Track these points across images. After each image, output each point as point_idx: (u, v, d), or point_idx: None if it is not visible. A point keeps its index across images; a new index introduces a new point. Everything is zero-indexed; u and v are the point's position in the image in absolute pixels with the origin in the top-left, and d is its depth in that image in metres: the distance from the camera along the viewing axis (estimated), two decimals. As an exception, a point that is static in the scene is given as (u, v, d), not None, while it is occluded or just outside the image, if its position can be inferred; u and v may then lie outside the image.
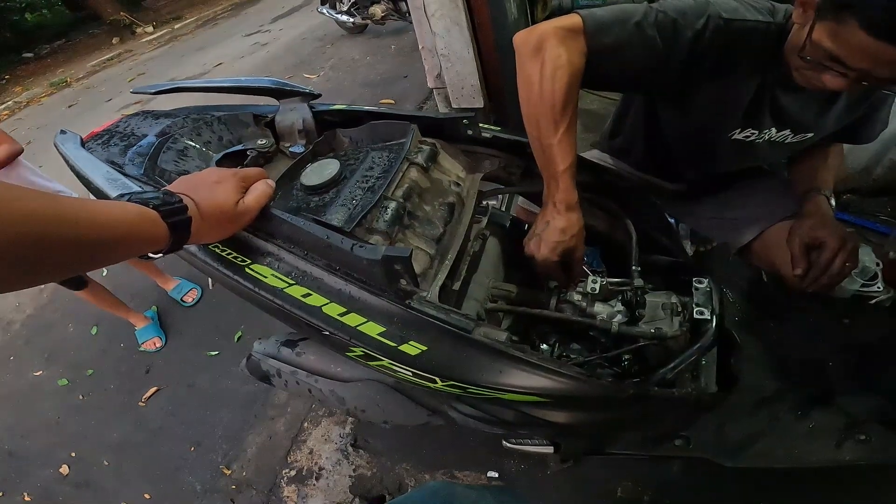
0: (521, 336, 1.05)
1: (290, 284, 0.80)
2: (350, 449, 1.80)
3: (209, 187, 0.72)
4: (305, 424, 1.93)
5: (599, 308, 1.00)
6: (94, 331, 2.70)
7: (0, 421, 2.38)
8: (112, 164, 0.97)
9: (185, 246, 0.69)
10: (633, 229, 1.06)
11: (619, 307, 0.99)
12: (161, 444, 2.07)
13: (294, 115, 1.10)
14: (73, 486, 2.02)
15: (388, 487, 1.67)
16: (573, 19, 0.92)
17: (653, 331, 0.92)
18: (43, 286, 3.03)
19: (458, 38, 2.29)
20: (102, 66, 9.03)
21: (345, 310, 0.78)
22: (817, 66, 0.85)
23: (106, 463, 2.06)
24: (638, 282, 0.97)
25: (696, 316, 0.92)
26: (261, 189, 0.78)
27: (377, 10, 5.27)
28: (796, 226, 1.11)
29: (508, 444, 1.22)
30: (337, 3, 5.60)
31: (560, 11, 4.43)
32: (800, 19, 0.86)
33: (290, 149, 1.09)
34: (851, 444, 1.02)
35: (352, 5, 5.46)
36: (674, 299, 0.98)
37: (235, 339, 2.38)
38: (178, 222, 0.64)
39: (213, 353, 2.36)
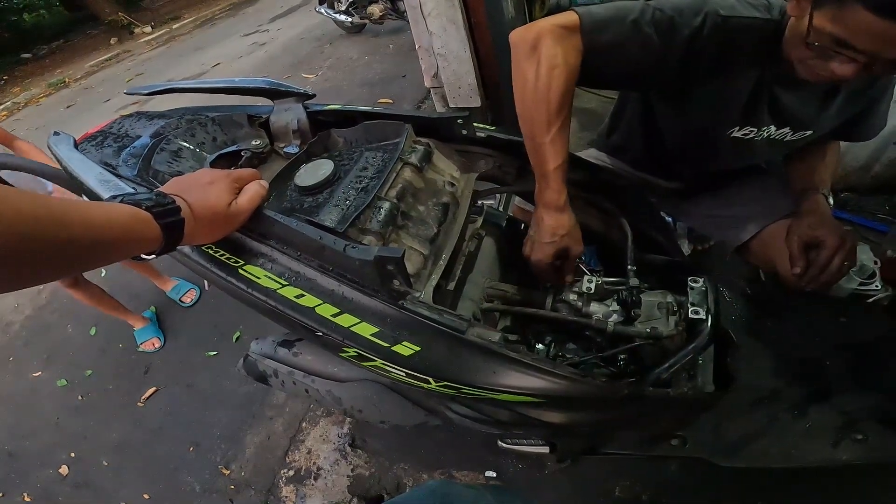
0: (517, 336, 1.05)
1: (284, 285, 0.79)
2: (348, 449, 1.80)
3: (202, 188, 0.72)
4: (303, 424, 1.93)
5: (595, 308, 1.00)
6: (92, 331, 2.70)
7: (-1, 421, 2.39)
8: (106, 165, 0.97)
9: (179, 247, 0.69)
10: (628, 228, 1.06)
11: (615, 307, 0.99)
12: (160, 444, 2.07)
13: (288, 116, 1.09)
14: (72, 487, 2.02)
15: (386, 487, 1.67)
16: (570, 17, 0.92)
17: (648, 330, 0.92)
18: (41, 287, 3.04)
19: (454, 37, 2.29)
20: (100, 67, 9.02)
21: (338, 311, 0.77)
22: (824, 54, 0.84)
23: (105, 463, 2.06)
24: (634, 281, 0.97)
25: (691, 315, 0.92)
26: (254, 190, 0.77)
27: (375, 10, 5.26)
28: (794, 224, 1.10)
29: (504, 445, 1.22)
30: (335, 3, 5.60)
31: (558, 9, 4.41)
32: (795, 11, 0.85)
33: (285, 149, 1.09)
34: (849, 444, 1.02)
35: (350, 5, 5.45)
36: (670, 299, 0.98)
37: (234, 340, 2.38)
38: (170, 223, 0.64)
39: (212, 353, 2.36)
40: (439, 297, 0.84)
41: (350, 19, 5.56)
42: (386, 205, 0.83)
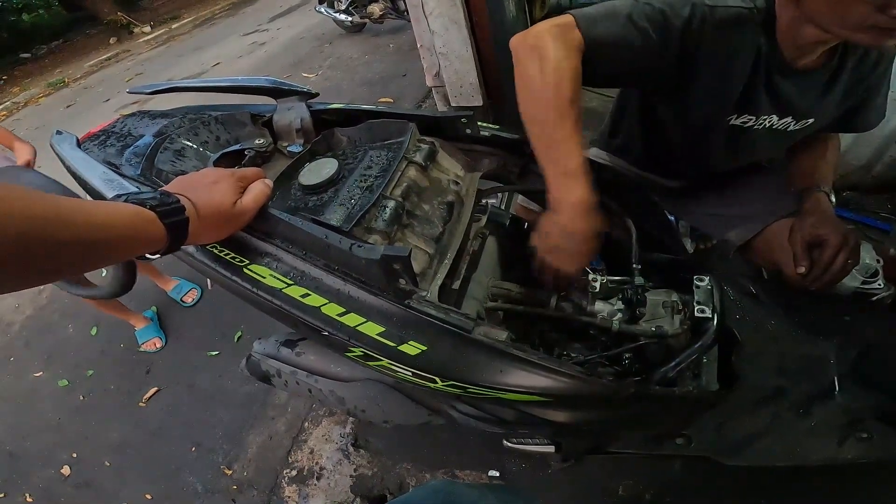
0: (521, 335, 1.04)
1: (289, 285, 0.79)
2: (351, 449, 1.79)
3: (206, 187, 0.71)
4: (306, 424, 1.93)
5: (600, 306, 0.99)
6: (93, 331, 2.70)
7: (1, 422, 2.38)
8: (109, 164, 0.97)
9: (183, 247, 0.69)
10: (633, 227, 1.06)
11: (620, 305, 0.98)
12: (162, 444, 2.07)
13: (292, 115, 1.09)
14: (74, 487, 2.02)
15: (389, 487, 1.67)
16: (566, 18, 0.92)
17: (653, 329, 0.92)
18: (42, 287, 3.04)
19: (456, 36, 2.28)
20: (100, 67, 9.01)
21: (344, 310, 0.77)
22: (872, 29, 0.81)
23: (107, 463, 2.06)
24: (638, 280, 0.97)
25: (696, 314, 0.92)
26: (258, 189, 0.77)
27: (375, 9, 5.26)
28: (797, 223, 1.10)
29: (509, 444, 1.22)
30: (335, 2, 5.59)
31: (558, 9, 4.43)
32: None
33: (288, 148, 1.08)
34: (853, 442, 1.02)
35: (350, 4, 5.44)
36: (674, 297, 0.97)
37: (235, 340, 2.38)
38: (175, 223, 0.64)
39: (214, 353, 2.36)
40: (444, 296, 0.84)
41: (350, 18, 5.56)
42: (391, 204, 0.83)
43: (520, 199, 1.53)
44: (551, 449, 1.17)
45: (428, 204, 0.92)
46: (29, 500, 2.01)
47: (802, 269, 1.05)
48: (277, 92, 1.11)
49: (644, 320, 0.96)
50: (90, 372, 2.48)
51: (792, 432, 1.06)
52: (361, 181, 0.90)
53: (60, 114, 6.83)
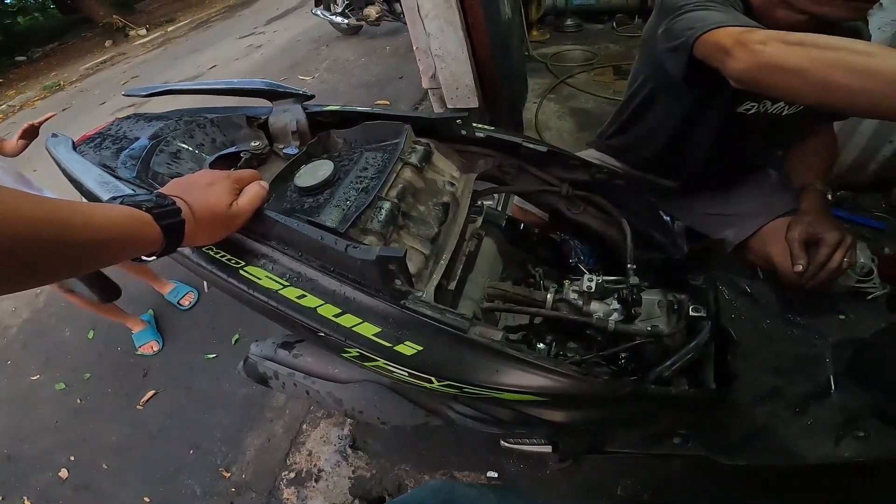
0: (517, 335, 1.05)
1: (285, 286, 0.79)
2: (349, 450, 1.79)
3: (202, 190, 0.71)
4: (304, 426, 1.93)
5: (595, 306, 1.00)
6: (90, 335, 2.69)
7: (-2, 425, 2.38)
8: (104, 167, 0.96)
9: (179, 249, 0.69)
10: (627, 227, 1.06)
11: (616, 305, 0.99)
12: (160, 447, 2.06)
13: (287, 117, 1.09)
14: (72, 490, 2.01)
15: (387, 488, 1.67)
16: (733, 30, 0.84)
17: (649, 329, 0.92)
18: (38, 290, 3.03)
19: (451, 38, 2.29)
20: (95, 69, 8.99)
21: (340, 311, 0.77)
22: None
23: (105, 466, 2.05)
24: (634, 280, 0.97)
25: (692, 313, 0.92)
26: (254, 191, 0.77)
27: (371, 12, 5.27)
28: (794, 222, 1.11)
29: (506, 444, 1.22)
30: (331, 5, 5.60)
31: (554, 11, 4.44)
32: None
33: (284, 150, 1.08)
34: (850, 441, 1.02)
35: (346, 7, 5.45)
36: (670, 297, 0.98)
37: (233, 342, 2.38)
38: (171, 225, 0.64)
39: (211, 355, 2.36)
40: (440, 296, 0.84)
41: (346, 21, 5.56)
42: (387, 205, 0.83)
43: (515, 199, 1.53)
44: (549, 449, 1.17)
45: (423, 205, 0.92)
46: (27, 503, 2.00)
47: (800, 267, 1.06)
48: (273, 94, 1.11)
49: (640, 320, 0.96)
50: (87, 375, 2.48)
51: (788, 431, 1.06)
52: (357, 183, 0.90)
53: (56, 117, 6.80)
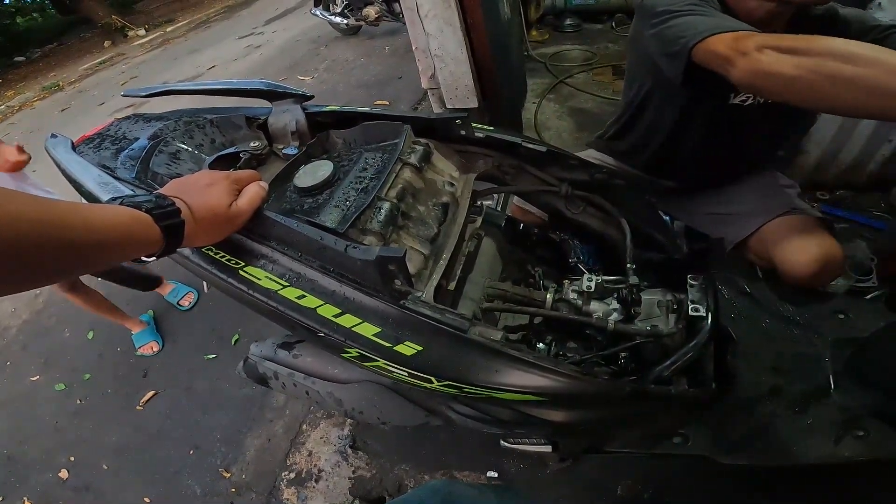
0: (517, 335, 1.05)
1: (285, 286, 0.79)
2: (349, 450, 1.79)
3: (202, 190, 0.71)
4: (304, 426, 1.92)
5: (595, 306, 1.00)
6: (90, 335, 2.69)
7: (-2, 426, 2.38)
8: (104, 167, 0.96)
9: (179, 249, 0.69)
10: (627, 227, 1.06)
11: (615, 305, 0.99)
12: (160, 447, 2.06)
13: (287, 117, 1.09)
14: (72, 491, 2.01)
15: (387, 489, 1.67)
16: (734, 35, 0.86)
17: (649, 328, 0.92)
18: (38, 291, 3.03)
19: (451, 38, 2.29)
20: (94, 70, 9.00)
21: (339, 311, 0.77)
22: None
23: (105, 467, 2.05)
24: (633, 279, 0.97)
25: (691, 313, 0.92)
26: (254, 191, 0.77)
27: (371, 12, 5.27)
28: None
29: (506, 444, 1.22)
30: (330, 5, 5.60)
31: (553, 11, 4.44)
32: None
33: (284, 151, 1.08)
34: (850, 440, 1.02)
35: (345, 7, 5.45)
36: (669, 297, 0.98)
37: (233, 342, 2.37)
38: (171, 225, 0.64)
39: (211, 356, 2.36)
40: (440, 296, 0.84)
41: (345, 21, 5.57)
42: (386, 205, 0.83)
43: (515, 199, 1.53)
44: (548, 449, 1.17)
45: (423, 205, 0.92)
46: (27, 503, 2.00)
47: None
48: (273, 95, 1.12)
49: (639, 320, 0.96)
50: (87, 376, 2.48)
51: (788, 431, 1.06)
52: (356, 183, 0.90)
53: (55, 117, 6.81)
